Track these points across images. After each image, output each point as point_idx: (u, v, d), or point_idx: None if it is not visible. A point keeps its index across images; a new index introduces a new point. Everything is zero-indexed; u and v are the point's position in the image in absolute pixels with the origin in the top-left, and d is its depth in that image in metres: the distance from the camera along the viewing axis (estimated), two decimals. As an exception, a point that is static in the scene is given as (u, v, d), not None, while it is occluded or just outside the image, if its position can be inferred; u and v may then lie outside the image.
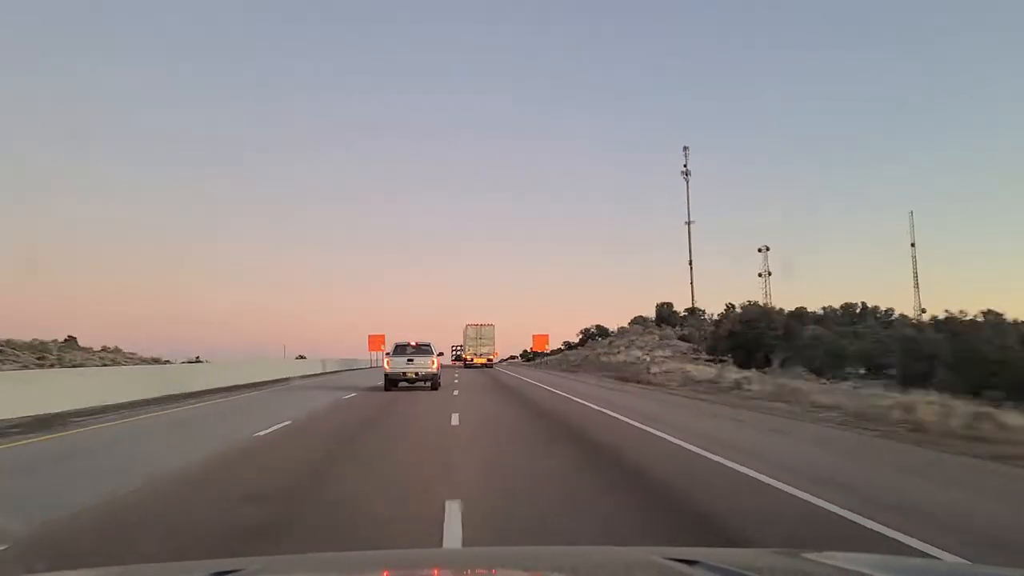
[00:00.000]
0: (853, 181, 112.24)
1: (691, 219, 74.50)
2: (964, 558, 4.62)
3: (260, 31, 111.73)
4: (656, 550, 2.54)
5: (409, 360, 24.76)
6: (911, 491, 7.29)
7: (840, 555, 2.33)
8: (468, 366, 58.10)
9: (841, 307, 56.74)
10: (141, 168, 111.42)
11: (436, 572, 2.30)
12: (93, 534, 5.75)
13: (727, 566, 1.96)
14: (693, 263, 73.76)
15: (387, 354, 26.13)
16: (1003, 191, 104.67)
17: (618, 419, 14.79)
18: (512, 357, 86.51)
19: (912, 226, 70.71)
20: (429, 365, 24.74)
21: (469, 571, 2.36)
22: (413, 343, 26.17)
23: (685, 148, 76.90)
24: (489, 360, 60.07)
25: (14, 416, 15.10)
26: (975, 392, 21.67)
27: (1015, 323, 32.99)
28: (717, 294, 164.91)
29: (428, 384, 24.73)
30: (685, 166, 76.28)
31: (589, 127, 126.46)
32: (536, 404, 19.82)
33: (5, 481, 8.86)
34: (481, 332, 61.22)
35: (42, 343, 39.85)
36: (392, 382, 24.67)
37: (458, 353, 67.53)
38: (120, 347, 46.70)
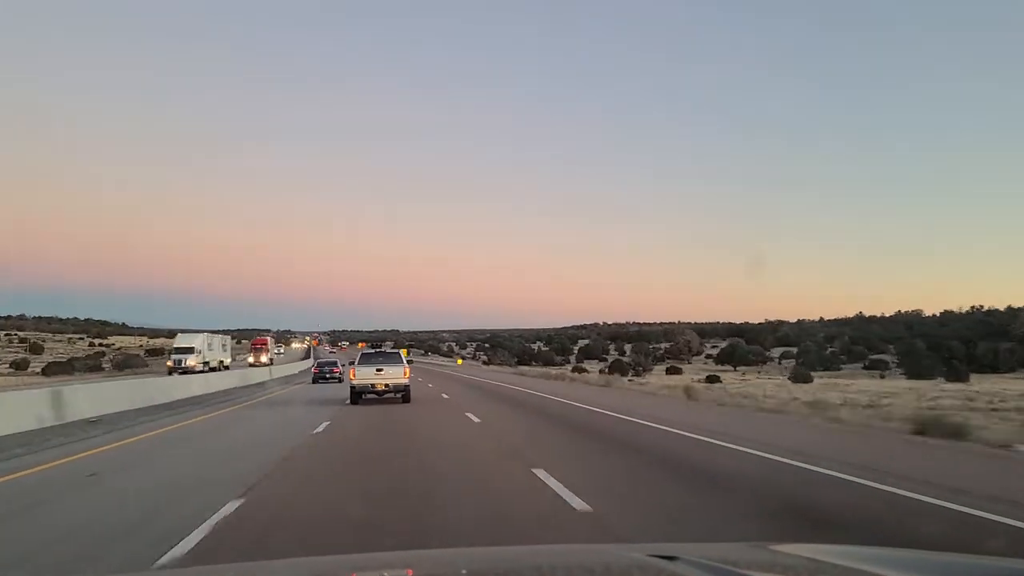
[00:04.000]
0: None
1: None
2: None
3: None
4: (637, 547, 2.62)
5: (378, 370, 22.95)
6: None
7: (809, 547, 2.44)
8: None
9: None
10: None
11: (414, 574, 2.32)
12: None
13: (705, 560, 2.00)
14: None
15: (352, 364, 24.58)
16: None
17: None
18: None
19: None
20: (400, 375, 23.12)
21: (449, 572, 2.36)
22: (381, 349, 26.07)
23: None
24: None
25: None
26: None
27: None
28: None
29: (399, 396, 23.13)
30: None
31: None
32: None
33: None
34: None
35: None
36: (358, 394, 23.00)
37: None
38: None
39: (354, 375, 23.06)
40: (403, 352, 27.61)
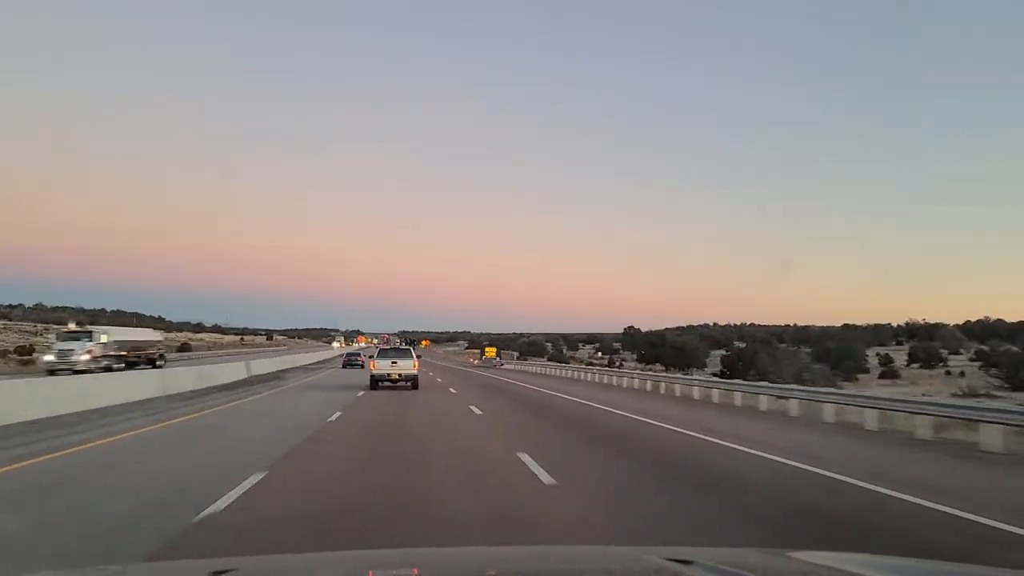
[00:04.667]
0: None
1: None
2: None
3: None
4: (652, 550, 2.63)
5: (393, 362, 27.83)
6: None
7: (826, 554, 2.42)
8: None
9: None
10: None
11: (429, 572, 2.32)
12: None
13: (721, 565, 2.01)
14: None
15: (371, 357, 29.63)
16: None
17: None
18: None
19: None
20: (410, 367, 27.81)
21: (463, 571, 2.35)
22: (396, 346, 32.28)
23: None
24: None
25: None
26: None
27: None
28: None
29: (409, 384, 27.70)
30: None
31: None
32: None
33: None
34: None
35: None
36: (376, 381, 27.64)
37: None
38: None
39: (374, 366, 28.30)
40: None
